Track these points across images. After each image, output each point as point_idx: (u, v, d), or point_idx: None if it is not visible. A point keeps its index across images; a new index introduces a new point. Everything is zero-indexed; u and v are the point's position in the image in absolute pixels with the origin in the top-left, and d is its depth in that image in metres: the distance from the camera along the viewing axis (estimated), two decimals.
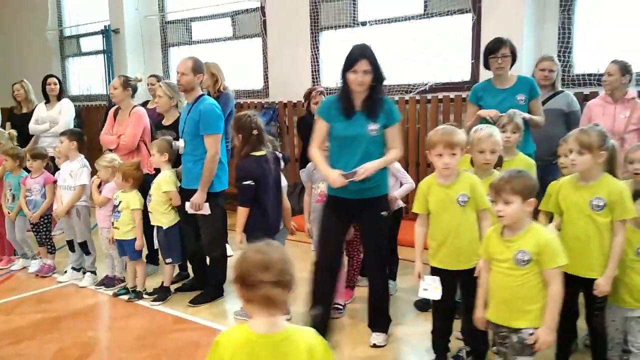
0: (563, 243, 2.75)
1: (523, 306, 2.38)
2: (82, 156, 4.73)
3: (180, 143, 4.14)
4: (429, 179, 3.00)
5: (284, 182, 3.83)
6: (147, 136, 4.77)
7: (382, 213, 3.33)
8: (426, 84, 5.81)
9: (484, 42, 4.19)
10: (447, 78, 5.73)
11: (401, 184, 4.17)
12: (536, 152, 3.89)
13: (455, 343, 3.16)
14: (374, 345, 3.39)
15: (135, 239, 4.26)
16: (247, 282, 1.59)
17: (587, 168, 2.68)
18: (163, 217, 4.21)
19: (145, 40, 8.36)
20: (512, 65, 3.98)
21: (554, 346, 2.91)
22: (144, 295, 4.33)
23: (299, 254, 4.36)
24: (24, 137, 5.86)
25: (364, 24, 6.23)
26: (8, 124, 6.34)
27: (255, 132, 3.65)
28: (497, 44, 3.93)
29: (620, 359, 2.84)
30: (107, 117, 4.99)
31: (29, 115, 6.10)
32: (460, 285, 2.98)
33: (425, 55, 5.80)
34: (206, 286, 4.26)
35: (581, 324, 2.99)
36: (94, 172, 4.64)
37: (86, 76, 9.21)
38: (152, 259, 4.90)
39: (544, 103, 4.33)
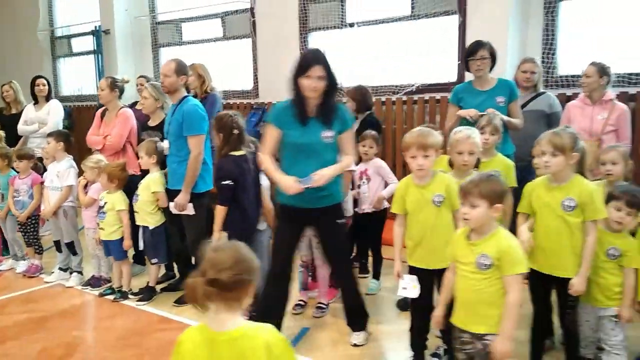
0: (536, 243, 2.81)
1: (483, 311, 2.33)
2: (70, 157, 4.77)
3: (165, 144, 4.17)
4: (406, 179, 3.03)
5: (265, 182, 3.84)
6: (133, 137, 4.78)
7: (338, 221, 3.32)
8: (413, 85, 5.85)
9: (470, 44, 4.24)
10: (433, 79, 5.77)
11: (386, 184, 4.22)
12: (517, 153, 3.93)
13: (434, 341, 3.20)
14: (355, 345, 3.44)
15: (120, 239, 4.29)
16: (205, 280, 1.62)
17: (560, 169, 2.72)
18: (150, 217, 4.24)
19: (135, 41, 8.39)
20: (492, 68, 4.01)
21: (528, 343, 2.97)
22: (130, 295, 4.37)
23: None
24: (13, 138, 5.86)
25: (352, 25, 6.27)
26: None
27: (235, 131, 3.65)
28: (476, 47, 3.97)
29: (595, 357, 2.89)
30: (95, 118, 5.00)
31: (18, 116, 6.10)
32: (437, 284, 3.01)
33: (412, 56, 5.83)
34: None
35: (558, 322, 3.03)
36: (83, 173, 4.66)
37: (77, 76, 9.22)
38: (139, 259, 4.92)
39: (526, 104, 4.38)
